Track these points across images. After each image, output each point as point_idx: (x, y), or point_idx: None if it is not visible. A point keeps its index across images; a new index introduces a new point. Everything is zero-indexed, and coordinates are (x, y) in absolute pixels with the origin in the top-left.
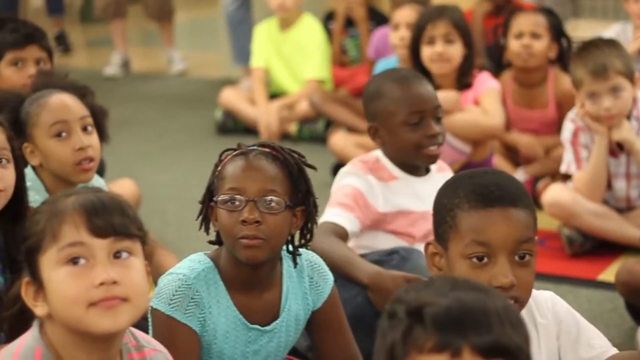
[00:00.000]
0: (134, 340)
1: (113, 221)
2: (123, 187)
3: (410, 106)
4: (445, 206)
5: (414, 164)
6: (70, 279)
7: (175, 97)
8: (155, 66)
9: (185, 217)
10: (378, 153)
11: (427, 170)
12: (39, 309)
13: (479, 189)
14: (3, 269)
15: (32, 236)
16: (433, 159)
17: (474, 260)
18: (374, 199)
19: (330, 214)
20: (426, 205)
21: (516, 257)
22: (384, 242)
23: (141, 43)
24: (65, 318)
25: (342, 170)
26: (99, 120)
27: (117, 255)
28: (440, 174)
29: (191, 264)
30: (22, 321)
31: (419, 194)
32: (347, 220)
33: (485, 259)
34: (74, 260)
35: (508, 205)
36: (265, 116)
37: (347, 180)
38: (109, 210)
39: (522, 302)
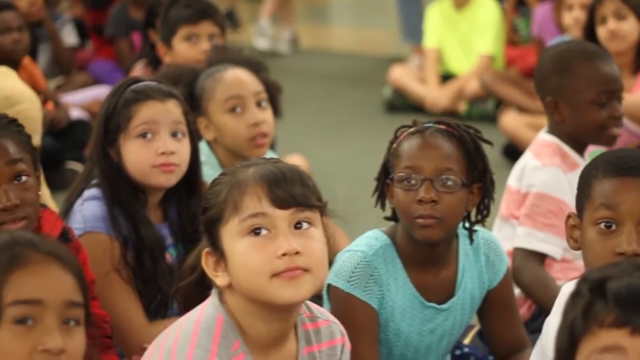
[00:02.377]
0: (307, 311)
1: (294, 192)
2: (293, 163)
3: (601, 85)
4: (584, 178)
5: (592, 143)
6: (252, 249)
7: (342, 74)
8: (324, 43)
9: (353, 195)
10: (552, 138)
11: None
12: (220, 279)
13: (615, 160)
14: (176, 242)
15: (213, 207)
16: (613, 140)
17: (602, 226)
18: (571, 201)
19: (539, 239)
20: None
21: None
22: None
23: (309, 19)
24: (247, 288)
25: (536, 169)
26: (272, 96)
27: (297, 226)
28: None
29: (369, 241)
30: (197, 291)
31: None
32: (558, 248)
33: (613, 226)
34: (255, 231)
35: None
36: (436, 96)
37: (548, 188)
38: (289, 181)
39: None
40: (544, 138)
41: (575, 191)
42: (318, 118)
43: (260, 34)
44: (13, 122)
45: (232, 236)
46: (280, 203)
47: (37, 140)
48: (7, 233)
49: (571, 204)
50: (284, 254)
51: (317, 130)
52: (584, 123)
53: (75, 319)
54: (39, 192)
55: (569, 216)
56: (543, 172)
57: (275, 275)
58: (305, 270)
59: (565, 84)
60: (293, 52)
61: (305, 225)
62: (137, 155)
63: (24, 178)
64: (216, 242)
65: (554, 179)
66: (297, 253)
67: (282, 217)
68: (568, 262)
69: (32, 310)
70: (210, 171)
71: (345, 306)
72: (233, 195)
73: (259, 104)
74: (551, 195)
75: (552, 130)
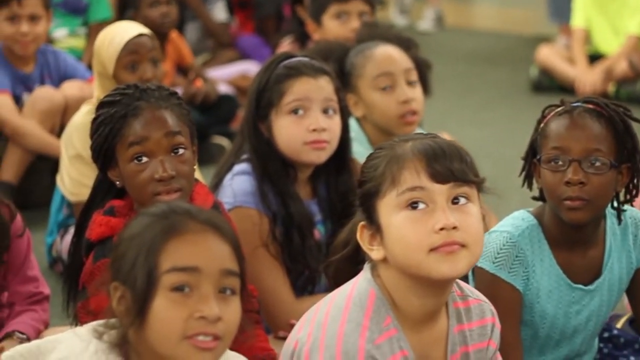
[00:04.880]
0: (458, 289)
1: (452, 167)
2: None
3: None
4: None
5: None
6: (410, 223)
7: (487, 53)
8: (468, 21)
9: (498, 174)
10: None
11: None
12: (375, 253)
13: None
14: (325, 219)
15: (371, 181)
16: None
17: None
18: None
19: None
20: None
21: None
22: None
23: None
24: (403, 262)
25: None
26: (422, 73)
27: (455, 201)
28: None
29: (515, 222)
30: (349, 266)
31: None
32: None
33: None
34: (413, 205)
35: None
36: (585, 77)
37: None
38: (448, 155)
39: None
40: None
41: None
42: (463, 97)
43: (400, 11)
44: (173, 94)
45: (389, 210)
46: (438, 177)
47: None
48: (164, 203)
49: None
50: (441, 229)
51: (462, 109)
52: None
53: (231, 288)
54: (195, 166)
55: None
56: None
57: (433, 249)
58: (462, 245)
59: None
60: (438, 30)
61: (462, 200)
62: (288, 132)
63: (181, 151)
64: (372, 215)
65: None
66: (454, 228)
67: (440, 191)
68: None
69: (189, 277)
70: (359, 148)
71: (490, 287)
72: (391, 168)
73: (409, 82)
74: None
75: None
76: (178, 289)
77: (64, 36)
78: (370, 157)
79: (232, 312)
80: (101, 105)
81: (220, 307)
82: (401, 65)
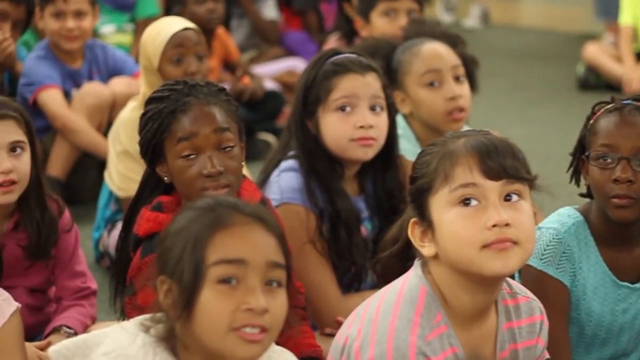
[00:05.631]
0: (507, 287)
1: (505, 163)
2: None
3: None
4: None
5: None
6: (462, 220)
7: (533, 50)
8: (514, 19)
9: (544, 172)
10: None
11: None
12: (427, 249)
13: None
14: (372, 216)
15: (423, 177)
16: None
17: None
18: None
19: None
20: None
21: None
22: None
23: None
24: (455, 259)
25: None
26: (469, 70)
27: (507, 197)
28: None
29: (560, 218)
30: (398, 263)
31: None
32: None
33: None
34: (465, 202)
35: None
36: (632, 74)
37: None
38: (501, 152)
39: None
40: None
41: None
42: (509, 94)
43: (446, 8)
44: (222, 90)
45: (441, 206)
46: (491, 174)
47: None
48: (210, 197)
49: None
50: (494, 225)
51: (508, 106)
52: None
53: (278, 280)
54: (243, 162)
55: None
56: None
57: (485, 246)
58: (515, 242)
59: None
60: (483, 27)
61: (514, 197)
62: (335, 128)
63: (229, 147)
64: (424, 212)
65: None
66: (507, 225)
67: (493, 188)
68: None
69: (236, 269)
70: (406, 145)
71: (537, 284)
72: (444, 165)
73: (456, 78)
74: None
75: None
76: (225, 281)
77: (112, 32)
78: (422, 154)
79: (278, 304)
80: (150, 100)
81: (267, 299)
82: (448, 62)
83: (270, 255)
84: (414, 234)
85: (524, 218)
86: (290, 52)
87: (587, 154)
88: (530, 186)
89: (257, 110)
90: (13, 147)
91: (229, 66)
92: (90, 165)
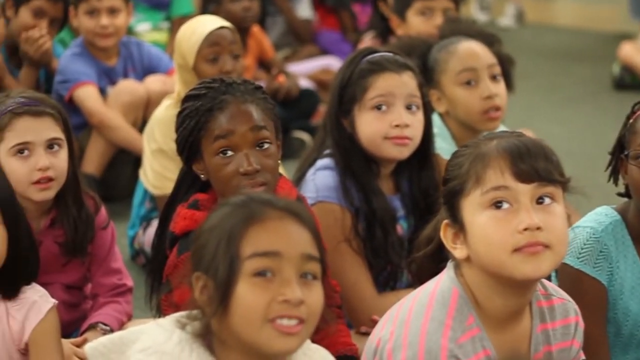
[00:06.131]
0: (542, 288)
1: (537, 166)
2: None
3: None
4: None
5: None
6: (493, 223)
7: (568, 49)
8: (549, 18)
9: (580, 172)
10: None
11: None
12: (458, 252)
13: None
14: (407, 214)
15: (455, 179)
16: None
17: None
18: None
19: None
20: None
21: None
22: None
23: None
24: (486, 262)
25: None
26: (505, 69)
27: (539, 200)
28: None
29: (597, 217)
30: (432, 263)
31: None
32: None
33: None
34: (497, 204)
35: None
36: None
37: None
38: (533, 155)
39: None
40: None
41: None
42: (545, 94)
43: (481, 7)
44: (259, 89)
45: (473, 208)
46: (523, 177)
47: None
48: (243, 194)
49: None
50: (525, 229)
51: (543, 106)
52: None
53: (313, 273)
54: (279, 161)
55: None
56: None
57: (517, 250)
58: (546, 246)
59: None
60: (518, 26)
61: (547, 200)
62: (371, 127)
63: (266, 145)
64: (456, 213)
65: None
66: (538, 228)
67: (525, 191)
68: None
69: (271, 262)
70: (442, 144)
71: (575, 283)
72: (476, 167)
73: (492, 77)
74: None
75: None
76: (260, 274)
77: (147, 30)
78: (455, 155)
79: (314, 296)
80: (187, 98)
81: (303, 291)
82: (484, 61)
83: (304, 248)
84: (446, 235)
85: (556, 221)
86: (324, 51)
87: (626, 153)
88: (563, 188)
89: (292, 109)
90: (50, 144)
91: (263, 64)
92: (125, 162)
